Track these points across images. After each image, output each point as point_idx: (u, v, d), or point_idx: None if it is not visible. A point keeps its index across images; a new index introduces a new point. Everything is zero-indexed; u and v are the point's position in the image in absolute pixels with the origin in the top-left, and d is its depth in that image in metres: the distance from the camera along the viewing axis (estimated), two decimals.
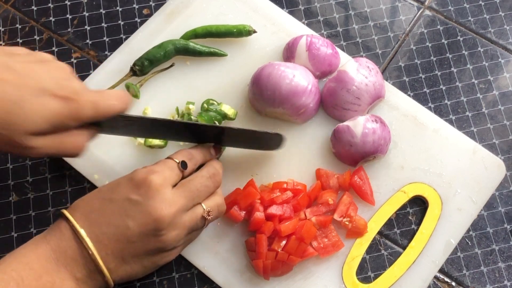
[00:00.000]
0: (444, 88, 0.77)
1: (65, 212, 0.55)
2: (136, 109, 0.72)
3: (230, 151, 0.71)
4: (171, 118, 0.70)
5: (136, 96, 0.72)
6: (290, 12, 0.79)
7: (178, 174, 0.58)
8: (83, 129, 0.53)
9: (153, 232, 0.54)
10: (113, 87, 0.71)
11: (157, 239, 0.55)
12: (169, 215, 0.54)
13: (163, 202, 0.54)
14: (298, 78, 0.68)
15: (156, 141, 0.69)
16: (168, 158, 0.59)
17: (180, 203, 0.56)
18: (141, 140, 0.70)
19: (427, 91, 0.77)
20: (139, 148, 0.70)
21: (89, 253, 0.53)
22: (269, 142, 0.67)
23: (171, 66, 0.74)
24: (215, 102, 0.71)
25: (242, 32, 0.74)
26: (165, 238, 0.55)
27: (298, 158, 0.71)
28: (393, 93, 0.74)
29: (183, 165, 0.59)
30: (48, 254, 0.53)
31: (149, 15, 0.79)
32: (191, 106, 0.71)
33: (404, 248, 0.69)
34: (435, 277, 0.68)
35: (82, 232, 0.53)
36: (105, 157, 0.70)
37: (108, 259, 0.53)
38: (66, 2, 0.80)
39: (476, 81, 0.77)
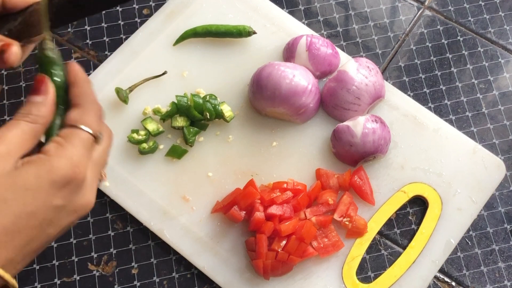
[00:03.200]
0: (444, 88, 0.77)
1: None
2: (126, 114, 0.72)
3: (230, 151, 0.71)
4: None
5: (124, 101, 0.72)
6: (290, 12, 0.79)
7: (92, 151, 0.46)
8: None
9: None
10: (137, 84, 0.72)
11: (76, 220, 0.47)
12: (93, 201, 0.46)
13: (87, 192, 0.45)
14: (298, 78, 0.68)
15: (145, 145, 0.69)
16: (77, 127, 0.45)
17: (97, 179, 0.47)
18: (145, 145, 0.70)
19: (427, 91, 0.77)
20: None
21: None
22: None
23: (164, 73, 0.73)
24: (218, 99, 0.71)
25: (242, 33, 0.74)
26: (85, 213, 0.47)
27: (298, 158, 0.71)
28: (393, 93, 0.74)
29: (99, 139, 0.46)
30: None
31: (149, 15, 0.79)
32: (201, 90, 0.73)
33: (404, 248, 0.69)
34: (435, 277, 0.68)
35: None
36: None
37: (17, 267, 0.44)
38: None
39: (476, 81, 0.77)
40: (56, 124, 0.45)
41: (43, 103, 0.44)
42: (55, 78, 0.45)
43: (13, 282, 0.42)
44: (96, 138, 0.46)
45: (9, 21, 0.49)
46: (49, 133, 0.45)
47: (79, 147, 0.44)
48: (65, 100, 0.46)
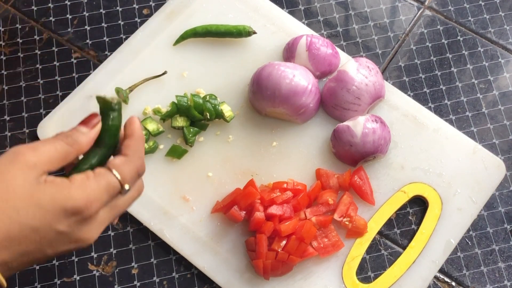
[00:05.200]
0: (444, 88, 0.77)
1: None
2: (127, 115, 0.72)
3: (230, 151, 0.71)
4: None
5: (124, 101, 0.72)
6: (290, 12, 0.79)
7: (114, 197, 0.49)
8: None
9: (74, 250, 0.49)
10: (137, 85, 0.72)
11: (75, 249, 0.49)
12: (95, 238, 0.48)
13: (93, 229, 0.48)
14: (298, 78, 0.68)
15: (145, 145, 0.69)
16: (111, 171, 0.48)
17: (108, 222, 0.50)
18: (145, 145, 0.70)
19: (427, 91, 0.77)
20: None
21: None
22: None
23: (164, 73, 0.73)
24: (217, 99, 0.71)
25: (241, 33, 0.74)
26: (84, 246, 0.50)
27: (298, 158, 0.71)
28: (393, 93, 0.74)
29: (126, 191, 0.49)
30: None
31: (149, 15, 0.79)
32: (201, 90, 0.73)
33: (404, 248, 0.69)
34: (435, 277, 0.68)
35: None
36: None
37: (10, 272, 0.46)
38: (66, 2, 0.80)
39: (476, 81, 0.77)
40: (89, 161, 0.48)
41: (85, 134, 0.47)
42: (108, 122, 0.49)
43: (3, 281, 0.45)
44: (122, 189, 0.48)
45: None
46: (78, 167, 0.48)
47: (102, 188, 0.47)
48: (107, 143, 0.49)
